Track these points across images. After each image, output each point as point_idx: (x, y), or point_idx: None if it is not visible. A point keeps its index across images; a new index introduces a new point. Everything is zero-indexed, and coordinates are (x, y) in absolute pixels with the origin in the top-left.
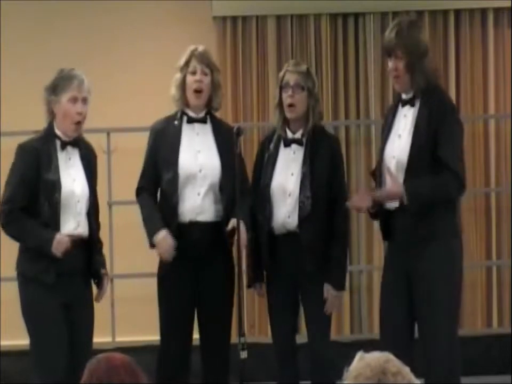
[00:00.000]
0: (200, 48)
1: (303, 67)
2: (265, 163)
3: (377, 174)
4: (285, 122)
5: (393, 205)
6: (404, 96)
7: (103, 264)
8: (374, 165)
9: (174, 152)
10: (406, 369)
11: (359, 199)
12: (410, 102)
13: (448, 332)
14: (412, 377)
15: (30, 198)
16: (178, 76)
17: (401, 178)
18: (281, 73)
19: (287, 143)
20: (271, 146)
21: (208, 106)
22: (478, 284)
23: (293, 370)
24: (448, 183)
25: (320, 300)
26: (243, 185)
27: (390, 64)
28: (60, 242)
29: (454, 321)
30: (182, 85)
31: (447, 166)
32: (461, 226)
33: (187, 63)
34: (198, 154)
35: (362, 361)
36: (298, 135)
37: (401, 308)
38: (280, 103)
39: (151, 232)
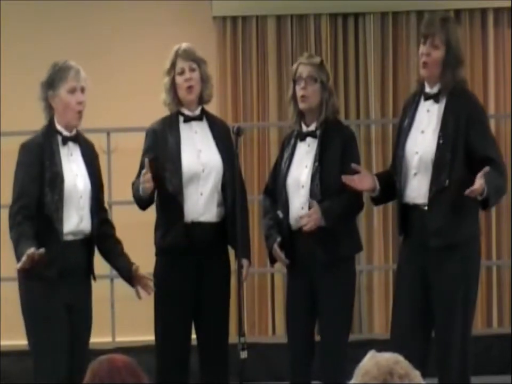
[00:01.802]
0: (183, 45)
1: (317, 59)
2: (284, 160)
3: (397, 168)
4: (300, 116)
5: (413, 201)
6: (427, 90)
7: (129, 265)
8: (374, 164)
9: (176, 152)
10: (415, 373)
11: (359, 179)
12: (435, 98)
13: (463, 334)
14: (420, 381)
15: (37, 192)
16: (166, 79)
17: (425, 174)
18: (294, 66)
19: (302, 137)
20: (290, 143)
21: (200, 100)
22: (478, 284)
23: (306, 370)
24: (505, 178)
25: (335, 299)
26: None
27: (423, 48)
28: (27, 258)
29: (470, 323)
30: (172, 87)
31: (498, 163)
32: (479, 225)
33: (173, 65)
34: (200, 154)
35: (372, 360)
36: (312, 128)
37: (417, 309)
38: (294, 96)
39: (136, 188)
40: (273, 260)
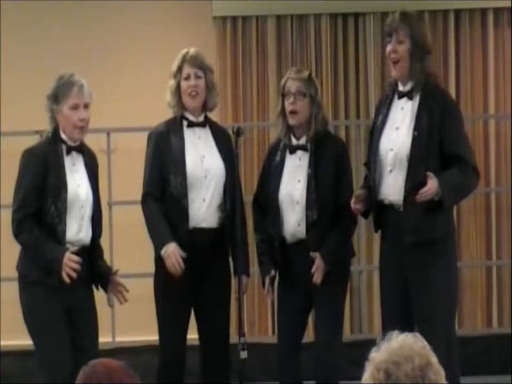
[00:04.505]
0: (191, 51)
1: (305, 74)
2: (272, 172)
3: (371, 166)
4: (289, 129)
5: (387, 198)
6: (401, 88)
7: (108, 268)
8: None
9: (180, 156)
10: (442, 374)
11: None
12: (408, 95)
13: (447, 333)
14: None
15: (40, 202)
16: (172, 82)
17: (400, 171)
18: (283, 81)
19: (292, 150)
20: (278, 155)
21: (204, 108)
22: (478, 284)
23: (295, 371)
24: (472, 178)
25: (332, 306)
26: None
27: (389, 46)
28: (67, 264)
29: (452, 321)
30: (177, 91)
31: (466, 161)
32: (454, 223)
33: (180, 69)
34: (203, 159)
35: (407, 349)
36: (302, 141)
37: (399, 310)
38: (283, 111)
39: (158, 245)
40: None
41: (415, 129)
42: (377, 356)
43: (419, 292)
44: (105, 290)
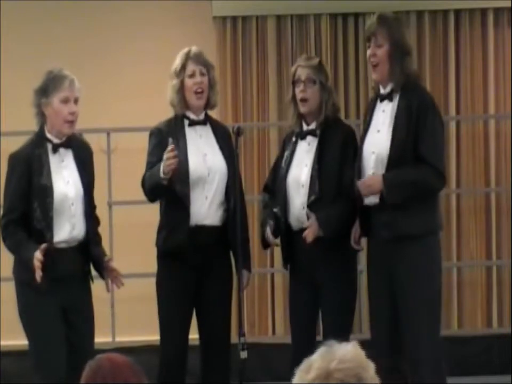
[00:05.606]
0: (194, 49)
1: (315, 61)
2: (284, 160)
3: (355, 169)
4: (300, 116)
5: (373, 200)
6: (382, 91)
7: (103, 254)
8: None
9: (183, 155)
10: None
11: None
12: (388, 97)
13: (430, 332)
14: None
15: (26, 205)
16: (175, 80)
17: (381, 173)
18: (293, 68)
19: (303, 136)
20: (290, 143)
21: (206, 106)
22: (478, 284)
23: None
24: (427, 177)
25: (337, 299)
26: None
27: (369, 51)
28: (35, 264)
29: (436, 320)
30: (181, 89)
31: (427, 160)
32: (441, 223)
33: (183, 67)
34: (205, 157)
35: (362, 356)
36: (312, 126)
37: (386, 309)
38: (293, 98)
39: (157, 173)
40: (265, 245)
41: (393, 131)
42: (334, 363)
43: (401, 291)
44: (102, 277)
